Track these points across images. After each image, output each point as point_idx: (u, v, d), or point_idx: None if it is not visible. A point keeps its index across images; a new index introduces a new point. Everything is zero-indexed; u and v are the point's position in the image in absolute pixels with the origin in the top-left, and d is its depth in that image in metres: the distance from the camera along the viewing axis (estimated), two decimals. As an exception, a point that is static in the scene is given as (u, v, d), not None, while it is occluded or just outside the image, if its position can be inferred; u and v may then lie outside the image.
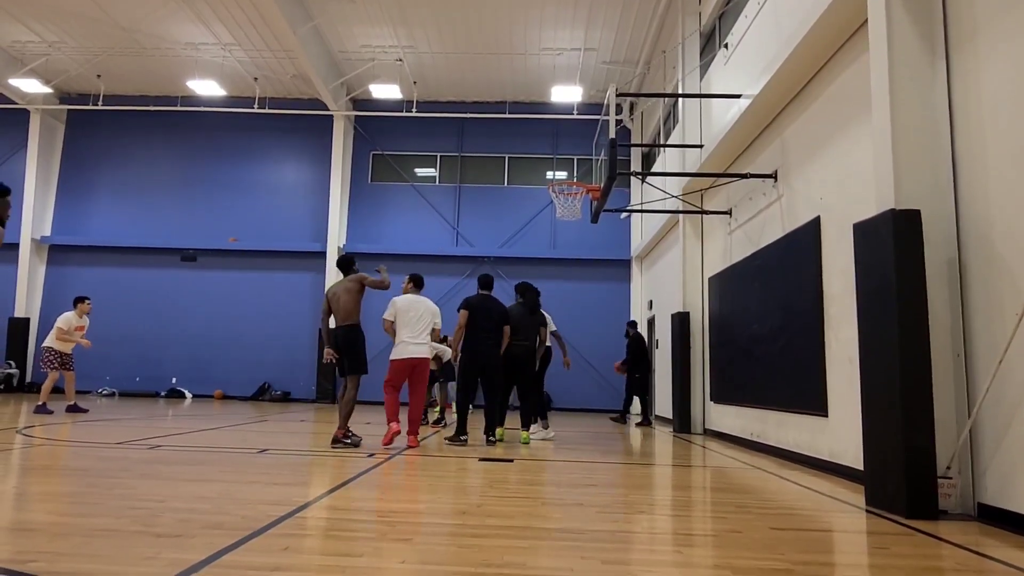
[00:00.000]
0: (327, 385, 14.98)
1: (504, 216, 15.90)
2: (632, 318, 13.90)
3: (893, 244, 3.86)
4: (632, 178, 14.68)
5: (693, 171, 8.99)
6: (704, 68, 9.71)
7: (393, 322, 6.56)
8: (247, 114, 15.85)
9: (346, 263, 6.83)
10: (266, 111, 15.59)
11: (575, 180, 14.34)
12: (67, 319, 9.36)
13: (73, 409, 9.36)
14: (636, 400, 11.49)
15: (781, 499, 4.40)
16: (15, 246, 15.80)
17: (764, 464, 6.21)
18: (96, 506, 3.38)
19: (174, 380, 15.71)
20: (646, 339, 12.47)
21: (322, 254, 15.57)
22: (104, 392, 15.40)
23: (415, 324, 6.54)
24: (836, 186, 5.72)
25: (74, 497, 3.59)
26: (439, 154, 16.36)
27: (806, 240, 6.18)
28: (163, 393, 15.56)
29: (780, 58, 6.08)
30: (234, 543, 2.73)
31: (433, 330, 7.28)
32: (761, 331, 7.32)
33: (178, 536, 2.84)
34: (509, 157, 16.26)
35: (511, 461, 5.75)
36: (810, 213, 6.17)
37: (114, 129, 16.62)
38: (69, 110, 16.66)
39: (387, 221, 16.12)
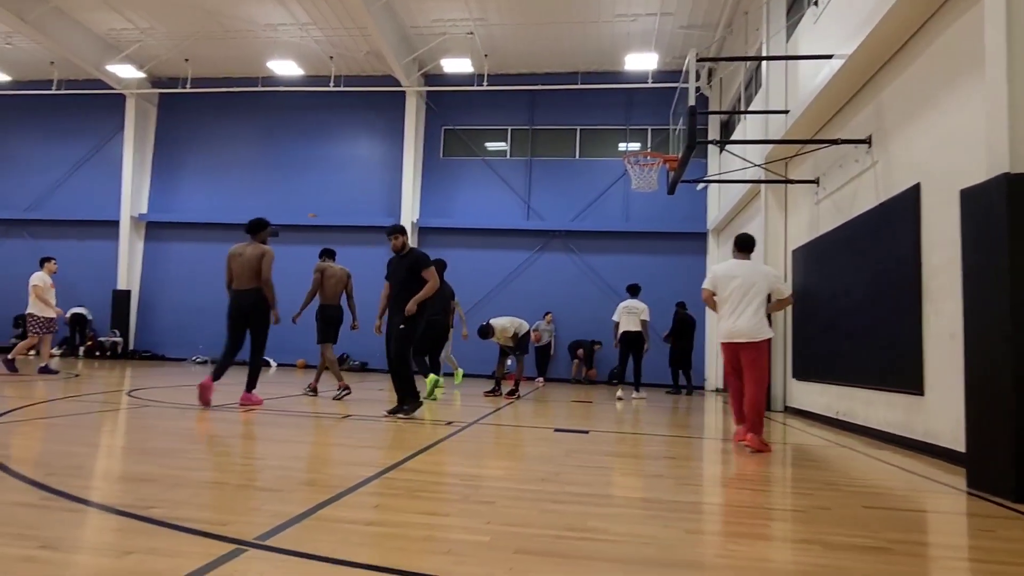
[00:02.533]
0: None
1: (575, 189, 15.74)
2: (681, 299, 13.60)
3: (1007, 211, 3.58)
4: (710, 148, 14.21)
5: (778, 138, 8.60)
6: (791, 29, 9.22)
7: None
8: (323, 92, 16.25)
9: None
10: (341, 89, 15.93)
11: (649, 151, 14.01)
12: (41, 277, 9.55)
13: (45, 370, 9.42)
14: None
15: (871, 478, 4.23)
16: (116, 223, 16.90)
17: (851, 443, 5.97)
18: (203, 461, 3.61)
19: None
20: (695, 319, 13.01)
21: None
22: (198, 359, 16.36)
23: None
24: (939, 150, 5.34)
25: (182, 453, 3.85)
26: (510, 128, 16.30)
27: (904, 209, 5.82)
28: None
29: (878, 14, 5.69)
30: (328, 499, 2.87)
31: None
32: (850, 305, 6.99)
33: (278, 491, 3.00)
34: (581, 129, 16.02)
35: (586, 432, 5.76)
36: (909, 180, 5.80)
37: (201, 111, 17.40)
38: (161, 94, 17.53)
39: (459, 196, 16.26)
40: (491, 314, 10.31)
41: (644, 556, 2.28)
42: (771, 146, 8.95)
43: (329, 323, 8.63)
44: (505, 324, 9.02)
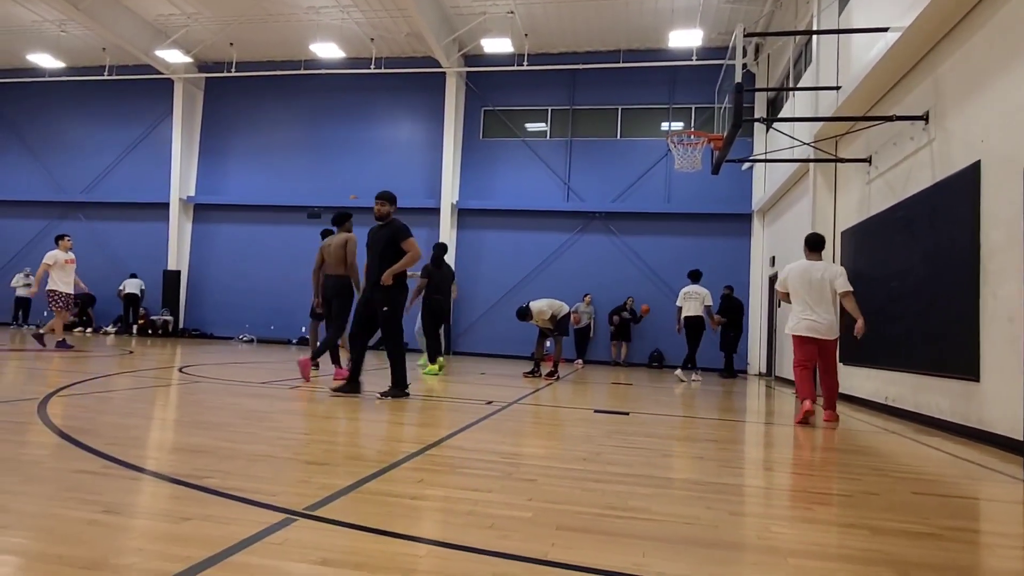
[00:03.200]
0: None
1: (616, 170, 15.55)
2: (727, 283, 13.37)
3: (1075, 187, 3.40)
4: (756, 127, 13.85)
5: (829, 115, 8.32)
6: (843, 1, 8.87)
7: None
8: (365, 75, 16.36)
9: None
10: (382, 71, 16.00)
11: (693, 130, 13.73)
12: (53, 255, 9.78)
13: (63, 345, 9.74)
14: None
15: (922, 465, 4.12)
16: (166, 206, 17.42)
17: (900, 429, 5.82)
18: (252, 435, 3.72)
19: (303, 329, 16.85)
20: (744, 303, 13.35)
21: (436, 210, 15.97)
22: (244, 338, 16.83)
23: None
24: (1002, 126, 5.10)
25: (233, 427, 3.98)
26: (550, 108, 16.16)
27: (962, 187, 5.59)
28: (294, 341, 16.78)
29: (937, -17, 5.43)
30: (374, 473, 2.93)
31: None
32: (901, 288, 6.77)
33: (324, 464, 3.08)
34: (622, 108, 15.78)
35: (627, 414, 5.74)
36: (968, 157, 5.56)
37: (246, 95, 17.71)
38: (207, 78, 17.89)
39: (498, 177, 16.24)
40: (530, 296, 10.33)
41: (687, 536, 2.28)
42: (821, 124, 8.67)
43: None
44: (543, 307, 9.02)
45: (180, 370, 7.67)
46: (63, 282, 9.76)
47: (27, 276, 17.04)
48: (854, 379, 8.28)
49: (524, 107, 16.30)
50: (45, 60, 17.45)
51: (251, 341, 16.63)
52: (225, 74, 17.05)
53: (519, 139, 16.20)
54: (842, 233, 8.84)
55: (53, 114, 18.84)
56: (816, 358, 5.92)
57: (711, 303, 10.28)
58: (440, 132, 16.12)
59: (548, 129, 16.21)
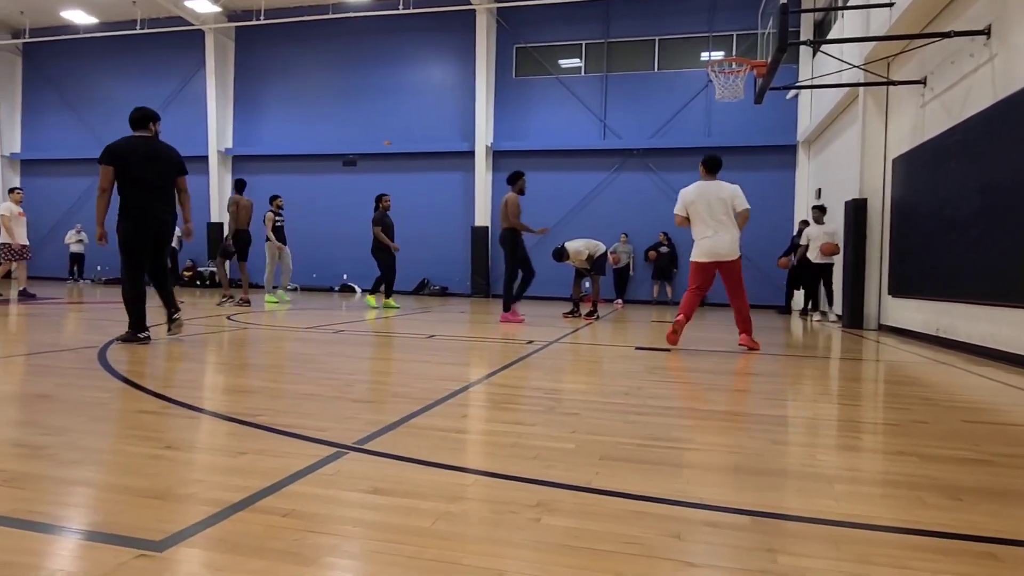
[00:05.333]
0: (481, 281, 15.62)
1: (654, 104, 15.06)
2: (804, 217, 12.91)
3: None
4: (801, 53, 13.17)
5: (880, 35, 7.84)
6: (898, -92, 8.21)
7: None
8: (394, 16, 16.01)
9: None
10: (411, 11, 15.63)
11: (735, 57, 13.13)
12: (8, 207, 10.25)
13: (24, 294, 10.21)
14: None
15: (973, 394, 4.02)
16: (204, 158, 17.64)
17: (951, 360, 5.67)
18: (299, 376, 3.84)
19: (345, 276, 17.16)
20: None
21: (470, 153, 15.81)
22: (292, 287, 17.22)
23: None
24: (1073, 35, 4.72)
25: (280, 369, 4.10)
26: (584, 42, 15.62)
27: (1025, 105, 5.24)
28: (336, 288, 17.11)
29: None
30: (419, 409, 3.00)
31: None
32: (956, 216, 6.48)
33: (370, 402, 3.16)
34: (659, 39, 15.15)
35: (668, 350, 5.73)
36: (1033, 72, 5.19)
37: (276, 43, 17.57)
38: (237, 27, 17.78)
39: (533, 116, 15.91)
40: (567, 238, 10.24)
41: (729, 464, 2.28)
42: (872, 45, 8.19)
43: (242, 245, 10.22)
44: (579, 247, 8.96)
45: (228, 318, 7.91)
46: (16, 234, 10.28)
47: (79, 232, 17.65)
48: (903, 311, 8.06)
49: (557, 42, 15.80)
50: (78, 16, 17.55)
51: (295, 289, 17.01)
52: (254, 22, 16.91)
53: (553, 76, 15.77)
54: (893, 160, 8.46)
55: (90, 71, 19.07)
56: (710, 284, 5.92)
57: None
58: (472, 72, 15.80)
59: (583, 65, 15.72)
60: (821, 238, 9.88)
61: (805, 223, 11.95)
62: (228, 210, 10.16)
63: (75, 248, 17.52)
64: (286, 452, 2.25)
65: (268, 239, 10.73)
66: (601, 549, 1.55)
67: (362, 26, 16.76)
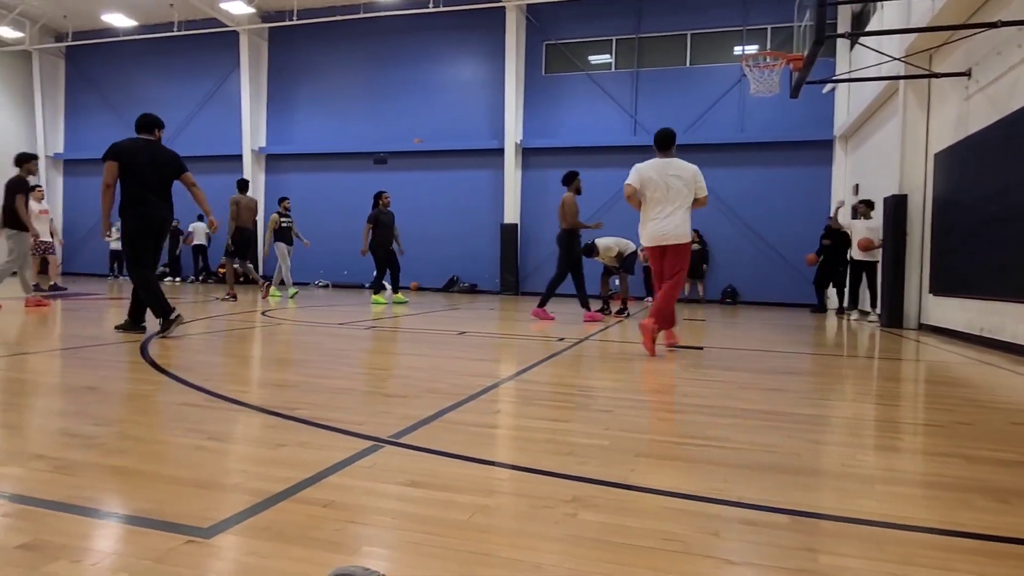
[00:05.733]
0: (510, 278, 15.64)
1: (686, 100, 14.88)
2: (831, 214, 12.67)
3: None
4: (839, 46, 12.89)
5: (923, 26, 7.63)
6: None
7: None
8: (424, 15, 16.09)
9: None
10: (440, 9, 15.70)
11: (770, 51, 12.90)
12: (33, 206, 10.27)
13: (55, 288, 10.41)
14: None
15: (1020, 395, 3.90)
16: (239, 157, 17.96)
17: (996, 360, 5.51)
18: (334, 371, 3.90)
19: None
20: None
21: (500, 151, 15.83)
22: (319, 283, 17.47)
23: None
24: None
25: (315, 364, 4.17)
26: (614, 38, 15.50)
27: (1076, 97, 5.06)
28: (367, 285, 17.29)
29: None
30: (452, 404, 3.02)
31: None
32: (1002, 211, 6.29)
33: (404, 397, 3.20)
34: (692, 34, 14.96)
35: (700, 348, 5.67)
36: (1085, 62, 5.01)
37: (309, 43, 17.80)
38: (270, 28, 18.05)
39: (562, 114, 15.85)
40: (596, 235, 10.19)
41: (768, 463, 2.25)
42: (913, 37, 7.98)
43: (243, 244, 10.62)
44: (609, 244, 8.95)
45: (263, 314, 8.05)
46: (38, 231, 10.37)
47: (119, 230, 18.11)
48: (945, 310, 7.86)
49: (587, 38, 15.70)
50: (118, 19, 18.01)
51: (326, 286, 17.23)
52: (287, 23, 17.15)
53: (583, 73, 15.69)
54: (935, 155, 8.24)
55: (130, 72, 19.55)
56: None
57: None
58: (502, 70, 15.80)
59: (613, 61, 15.61)
60: (862, 233, 9.64)
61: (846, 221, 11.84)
62: (230, 209, 10.51)
63: (115, 245, 17.99)
64: (324, 445, 2.29)
65: (267, 240, 11.24)
66: (638, 545, 1.54)
67: (393, 25, 16.89)
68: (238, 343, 5.21)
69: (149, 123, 5.60)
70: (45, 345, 4.63)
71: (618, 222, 14.42)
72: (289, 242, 11.33)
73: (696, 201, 5.27)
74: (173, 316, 5.28)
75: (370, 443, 2.33)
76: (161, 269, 18.34)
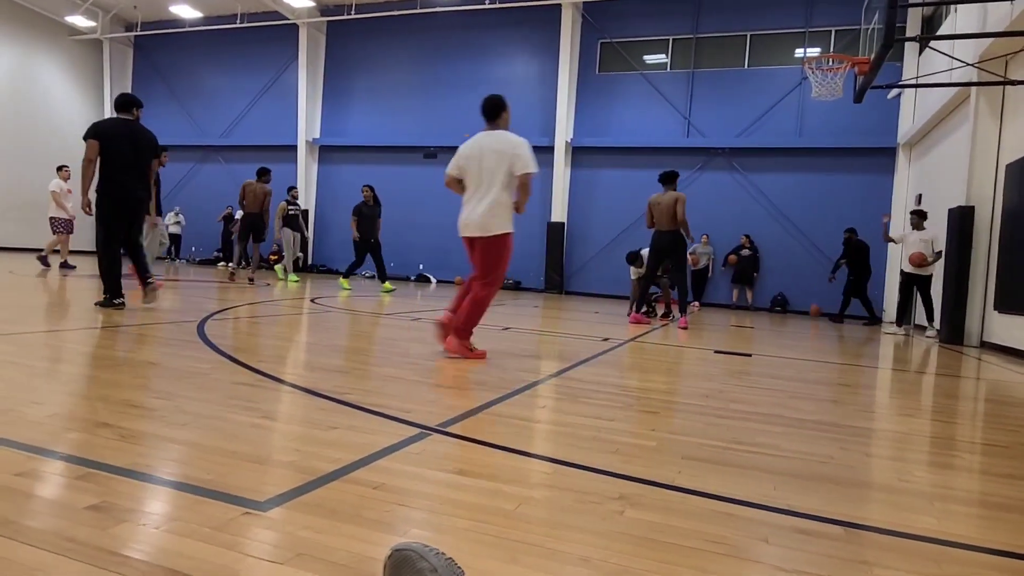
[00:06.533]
0: (555, 276, 15.61)
1: (742, 102, 14.58)
2: (852, 225, 12.34)
3: None
4: (907, 49, 12.43)
5: (999, 31, 7.30)
6: None
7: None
8: (480, 11, 16.19)
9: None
10: (496, 6, 15.75)
11: (833, 54, 12.52)
12: (58, 184, 10.82)
13: (65, 266, 10.72)
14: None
15: (1093, 421, 3.70)
16: (293, 147, 18.39)
17: (1064, 383, 5.24)
18: (383, 359, 3.96)
19: (421, 266, 17.54)
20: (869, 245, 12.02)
21: (549, 149, 15.80)
22: (367, 274, 17.76)
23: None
24: None
25: (364, 351, 4.24)
26: (671, 37, 15.29)
27: None
28: (412, 277, 17.50)
29: None
30: (498, 397, 3.04)
31: None
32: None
33: (451, 387, 3.23)
34: (751, 35, 14.65)
35: (749, 356, 5.56)
36: None
37: (365, 37, 18.10)
38: (328, 22, 18.41)
39: (615, 113, 15.73)
40: (645, 236, 10.06)
41: (820, 473, 2.20)
42: (988, 42, 7.65)
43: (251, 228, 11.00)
44: None
45: (312, 300, 8.23)
46: (67, 209, 10.91)
47: (177, 214, 18.78)
48: (1010, 328, 7.52)
49: (644, 38, 15.53)
50: (185, 10, 18.63)
51: (373, 277, 17.51)
52: (346, 16, 17.47)
53: (637, 72, 15.53)
54: (1007, 166, 7.88)
55: (194, 62, 20.21)
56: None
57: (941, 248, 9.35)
58: (555, 67, 15.76)
59: (669, 61, 15.40)
60: (916, 245, 9.30)
61: (851, 231, 11.63)
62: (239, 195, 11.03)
63: (172, 229, 18.65)
64: (373, 429, 2.33)
65: (277, 227, 11.75)
66: (686, 546, 1.53)
67: (448, 21, 17.03)
68: (288, 328, 5.34)
69: (128, 103, 5.77)
70: (109, 321, 4.83)
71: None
72: (296, 229, 12.05)
73: (518, 183, 4.29)
74: (116, 301, 5.50)
75: (417, 430, 2.36)
76: (215, 254, 18.95)
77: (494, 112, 4.44)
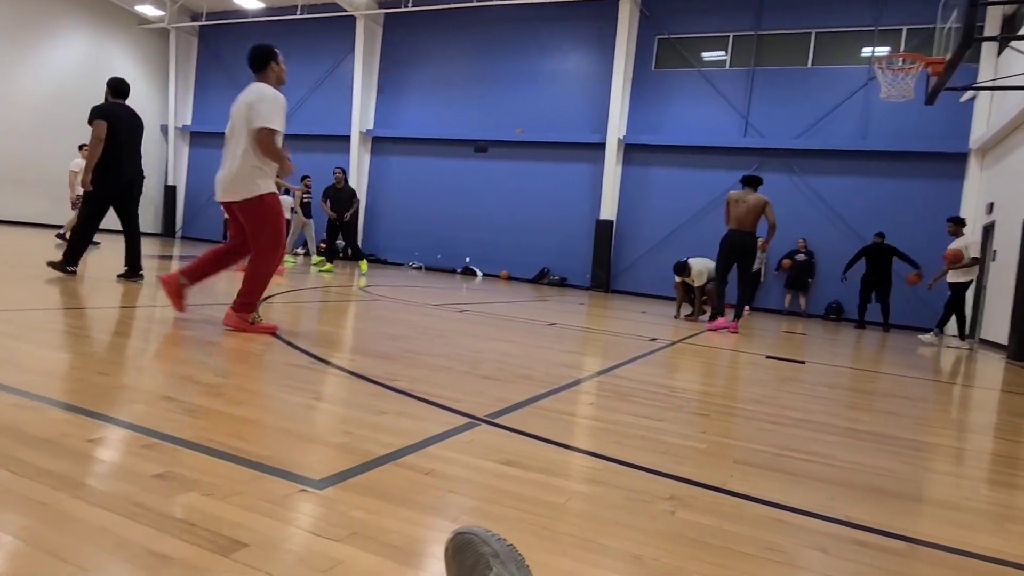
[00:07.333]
0: (601, 274, 15.50)
1: (804, 102, 14.14)
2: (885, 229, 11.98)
3: None
4: (984, 50, 11.84)
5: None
6: None
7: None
8: (536, 4, 16.13)
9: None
10: (553, 0, 15.68)
11: (905, 53, 12.01)
12: (79, 163, 11.14)
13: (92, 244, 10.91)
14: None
15: None
16: (346, 138, 18.70)
17: None
18: (431, 349, 4.00)
19: (467, 259, 17.63)
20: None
21: (601, 145, 15.67)
22: (413, 265, 17.96)
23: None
24: None
25: (412, 340, 4.29)
26: (731, 34, 14.94)
27: None
28: (459, 270, 17.62)
29: None
30: (545, 392, 3.03)
31: None
32: None
33: (499, 380, 3.24)
34: (816, 32, 14.19)
35: (802, 363, 5.41)
36: None
37: (421, 29, 18.25)
38: (385, 14, 18.64)
39: (669, 111, 15.47)
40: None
41: (879, 486, 2.12)
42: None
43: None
44: (701, 268, 8.72)
45: (361, 289, 8.37)
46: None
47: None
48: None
49: (703, 34, 15.22)
50: (248, 2, 19.13)
51: (419, 268, 17.71)
52: (402, 9, 17.65)
53: (695, 70, 15.23)
54: (1088, 176, 7.44)
55: (256, 53, 20.73)
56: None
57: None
58: (610, 63, 15.59)
59: (728, 58, 15.05)
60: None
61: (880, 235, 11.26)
62: None
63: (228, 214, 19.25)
64: (423, 417, 2.36)
65: (293, 211, 12.33)
66: (740, 551, 1.49)
67: (504, 14, 17.02)
68: (338, 315, 5.45)
69: (127, 89, 6.17)
70: (166, 300, 5.01)
71: (719, 227, 13.98)
72: (308, 215, 12.68)
73: (255, 140, 3.84)
74: (69, 268, 5.75)
75: (466, 420, 2.37)
76: None
77: (260, 62, 4.13)
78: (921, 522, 1.85)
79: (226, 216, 4.13)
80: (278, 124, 3.86)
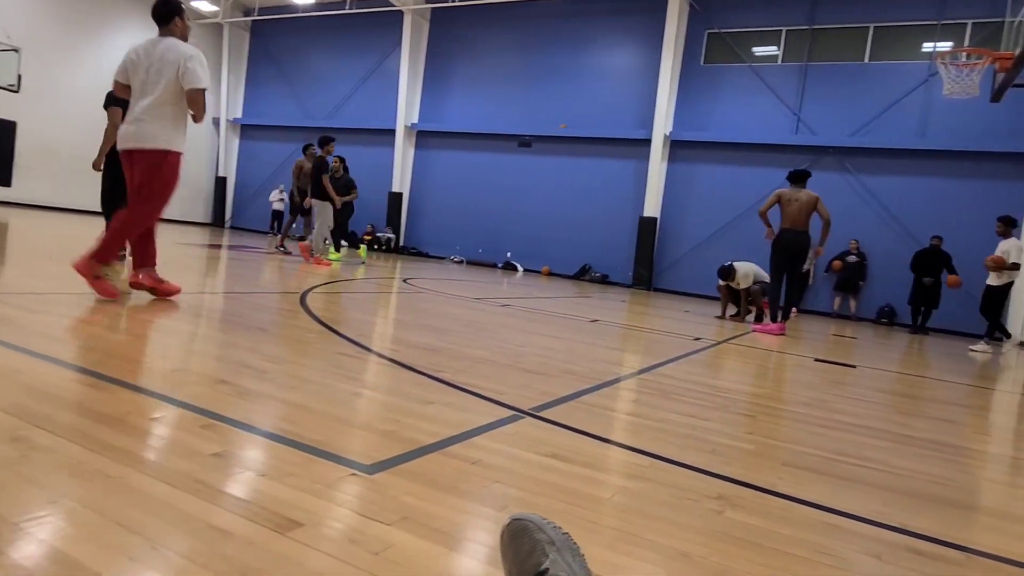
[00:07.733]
0: (644, 272, 15.34)
1: (859, 99, 13.69)
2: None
3: None
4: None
5: None
6: None
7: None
8: (583, -1, 16.03)
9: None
10: (601, -6, 15.55)
11: (971, 47, 11.50)
12: (275, 195, 11.39)
13: None
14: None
15: None
16: (391, 132, 18.91)
17: None
18: (474, 341, 4.02)
19: (509, 254, 17.66)
20: None
21: (647, 142, 15.48)
22: (455, 259, 18.09)
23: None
24: None
25: (456, 333, 4.33)
26: (784, 28, 14.56)
27: None
28: (500, 265, 17.67)
29: None
30: (588, 387, 3.02)
31: None
32: None
33: (541, 374, 3.24)
34: (874, 27, 13.71)
35: (853, 367, 5.26)
36: None
37: (468, 24, 18.31)
38: (432, 9, 18.76)
39: (718, 106, 15.18)
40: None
41: (936, 495, 2.05)
42: None
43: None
44: (748, 272, 8.54)
45: (404, 281, 8.47)
46: None
47: (281, 192, 19.75)
48: None
49: (754, 28, 14.88)
50: (300, -3, 19.52)
51: (461, 262, 17.81)
52: (449, 3, 17.73)
53: (745, 65, 14.91)
54: None
55: (304, 47, 21.13)
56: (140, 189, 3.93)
57: None
58: (657, 58, 15.37)
59: (780, 53, 14.68)
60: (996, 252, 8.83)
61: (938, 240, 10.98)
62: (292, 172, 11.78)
63: (276, 206, 19.67)
64: (469, 408, 2.38)
65: (291, 203, 12.39)
66: (791, 553, 1.47)
67: (550, 9, 16.95)
68: (383, 306, 5.53)
69: None
70: (217, 288, 5.17)
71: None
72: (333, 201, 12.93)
73: (187, 99, 3.93)
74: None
75: (511, 412, 2.38)
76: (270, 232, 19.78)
77: (166, 15, 4.04)
78: (978, 532, 1.78)
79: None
80: (206, 83, 3.99)
